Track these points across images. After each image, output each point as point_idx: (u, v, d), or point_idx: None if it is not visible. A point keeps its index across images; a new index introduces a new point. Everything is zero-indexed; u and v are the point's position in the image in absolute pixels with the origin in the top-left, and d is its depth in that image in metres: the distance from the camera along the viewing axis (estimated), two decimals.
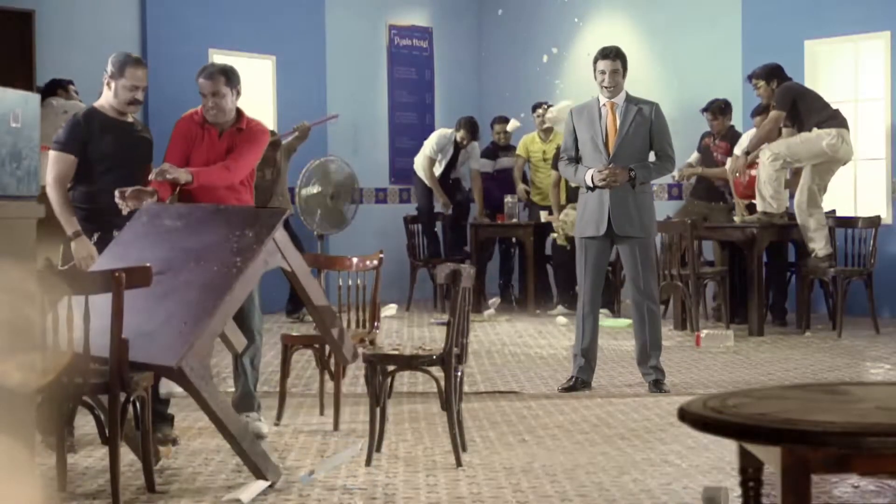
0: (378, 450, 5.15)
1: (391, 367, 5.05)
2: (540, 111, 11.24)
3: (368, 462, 5.01)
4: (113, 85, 5.50)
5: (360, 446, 4.76)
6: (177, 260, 4.76)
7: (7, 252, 3.55)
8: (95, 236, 5.43)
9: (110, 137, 5.48)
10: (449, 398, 5.01)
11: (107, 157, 5.46)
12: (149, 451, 4.55)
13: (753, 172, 9.37)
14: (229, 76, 5.66)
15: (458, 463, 4.98)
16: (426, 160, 11.43)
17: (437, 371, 5.06)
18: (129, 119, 5.60)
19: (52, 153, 5.47)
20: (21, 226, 3.67)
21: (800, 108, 9.01)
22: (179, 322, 4.44)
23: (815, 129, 8.98)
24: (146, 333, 4.44)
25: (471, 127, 11.36)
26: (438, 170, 11.46)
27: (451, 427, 5.03)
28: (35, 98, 3.95)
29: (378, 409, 5.07)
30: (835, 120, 8.97)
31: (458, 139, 11.38)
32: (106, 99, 5.54)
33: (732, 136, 10.06)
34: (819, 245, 9.10)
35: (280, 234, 4.76)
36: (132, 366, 4.40)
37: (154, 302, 4.54)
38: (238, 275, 4.54)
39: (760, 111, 9.55)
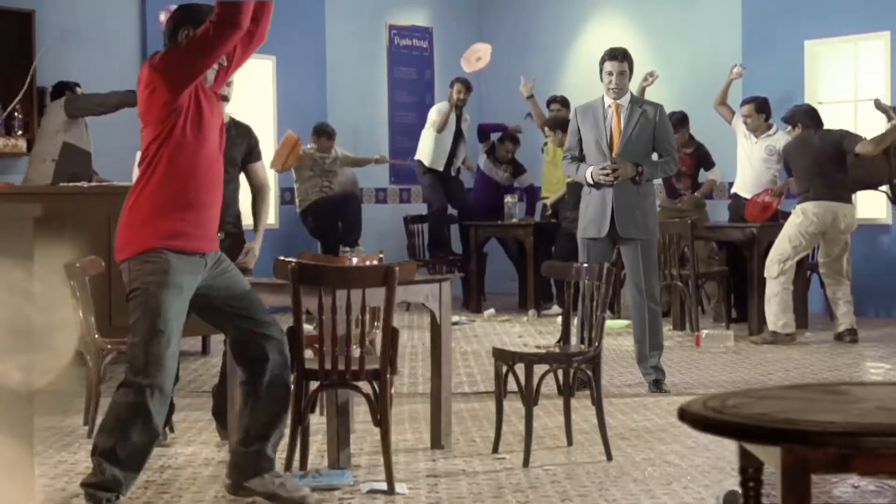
0: (527, 459, 5.04)
1: (546, 367, 5.15)
2: (555, 106, 11.14)
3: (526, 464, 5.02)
4: None
5: (351, 478, 4.74)
6: None
7: (6, 252, 3.55)
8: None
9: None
10: (599, 393, 5.18)
11: None
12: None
13: (767, 198, 9.34)
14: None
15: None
16: (427, 133, 11.36)
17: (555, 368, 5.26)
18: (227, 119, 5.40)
19: None
20: (18, 226, 3.66)
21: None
22: None
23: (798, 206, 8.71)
24: None
25: (464, 79, 11.23)
26: (444, 147, 11.31)
27: (601, 422, 5.15)
28: None
29: (528, 411, 5.08)
30: (806, 194, 8.63)
31: (456, 99, 11.22)
32: None
33: (697, 149, 10.07)
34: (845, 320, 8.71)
35: None
36: None
37: None
38: None
39: (750, 99, 9.56)
